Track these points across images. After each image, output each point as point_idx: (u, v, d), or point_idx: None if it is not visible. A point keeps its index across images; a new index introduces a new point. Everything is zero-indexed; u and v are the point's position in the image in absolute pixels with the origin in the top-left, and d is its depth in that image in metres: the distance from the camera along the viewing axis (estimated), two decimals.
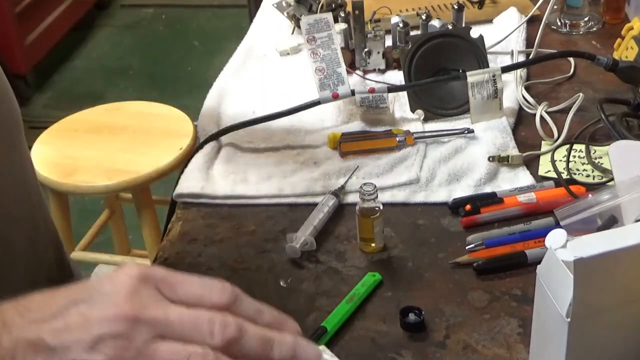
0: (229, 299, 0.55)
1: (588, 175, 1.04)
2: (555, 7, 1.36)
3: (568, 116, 1.12)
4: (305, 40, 1.12)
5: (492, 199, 0.99)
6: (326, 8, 1.38)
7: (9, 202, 0.80)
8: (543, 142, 1.11)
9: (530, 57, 1.31)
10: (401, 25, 1.31)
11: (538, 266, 0.67)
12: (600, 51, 1.36)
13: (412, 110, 1.18)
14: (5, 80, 0.80)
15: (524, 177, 1.04)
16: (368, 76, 1.28)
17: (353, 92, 1.13)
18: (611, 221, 0.81)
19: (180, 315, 0.53)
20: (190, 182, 1.07)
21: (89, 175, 1.73)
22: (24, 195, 0.84)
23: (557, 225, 0.89)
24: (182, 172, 1.10)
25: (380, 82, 1.24)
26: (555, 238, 0.64)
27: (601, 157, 1.06)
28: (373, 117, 1.18)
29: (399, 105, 1.22)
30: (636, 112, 1.13)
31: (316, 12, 1.38)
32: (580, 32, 1.44)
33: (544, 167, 1.06)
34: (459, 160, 1.08)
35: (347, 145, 1.11)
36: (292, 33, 1.50)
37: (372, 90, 1.15)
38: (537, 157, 1.08)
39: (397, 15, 1.39)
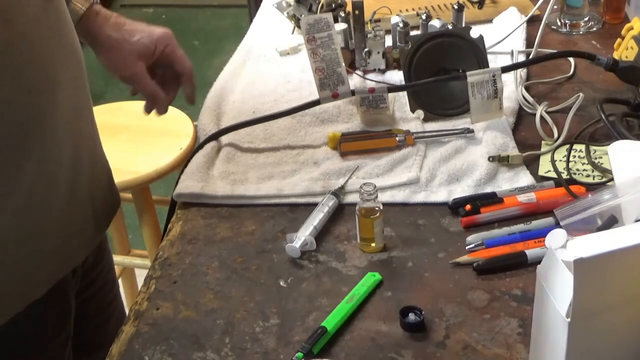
0: None
1: (588, 175, 1.04)
2: (555, 7, 1.36)
3: (568, 116, 1.12)
4: (305, 40, 1.12)
5: (492, 199, 0.99)
6: (326, 8, 1.38)
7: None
8: (543, 142, 1.11)
9: (530, 57, 1.31)
10: (401, 25, 1.31)
11: (538, 266, 0.67)
12: (600, 51, 1.36)
13: (412, 110, 1.18)
14: None
15: (524, 177, 1.04)
16: (368, 76, 1.28)
17: (353, 92, 1.13)
18: (611, 221, 0.81)
19: None
20: (190, 182, 1.07)
21: None
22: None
23: (557, 225, 0.89)
24: (182, 172, 1.10)
25: (380, 82, 1.24)
26: (555, 238, 0.64)
27: (601, 157, 1.06)
28: (373, 117, 1.18)
29: (399, 105, 1.22)
30: (636, 112, 1.13)
31: (316, 12, 1.38)
32: (580, 32, 1.44)
33: (544, 167, 1.06)
34: (459, 160, 1.08)
35: (347, 145, 1.11)
36: (292, 33, 1.50)
37: (372, 90, 1.15)
38: (537, 157, 1.08)
39: (397, 15, 1.39)
